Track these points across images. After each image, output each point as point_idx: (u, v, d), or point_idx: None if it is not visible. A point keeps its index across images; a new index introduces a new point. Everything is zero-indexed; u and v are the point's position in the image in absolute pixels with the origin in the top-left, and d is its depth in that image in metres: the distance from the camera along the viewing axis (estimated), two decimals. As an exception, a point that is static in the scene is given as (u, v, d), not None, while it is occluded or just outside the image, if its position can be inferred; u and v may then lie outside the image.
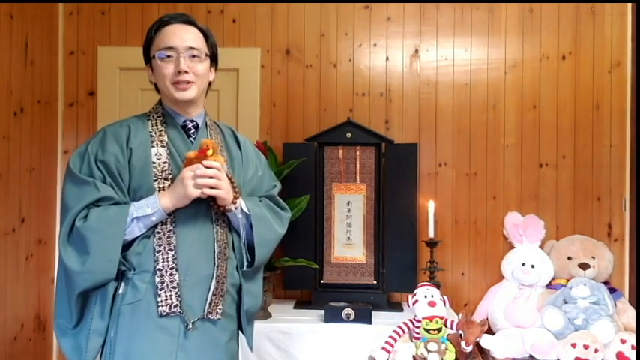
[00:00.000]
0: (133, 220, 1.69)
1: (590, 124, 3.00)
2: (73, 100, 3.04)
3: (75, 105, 3.04)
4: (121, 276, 1.72)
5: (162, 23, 1.81)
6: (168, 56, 1.77)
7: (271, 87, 3.04)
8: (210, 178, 1.70)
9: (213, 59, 1.88)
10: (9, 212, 2.56)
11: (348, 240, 2.92)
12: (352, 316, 2.54)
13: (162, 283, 1.69)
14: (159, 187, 1.74)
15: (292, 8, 3.04)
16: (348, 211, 2.93)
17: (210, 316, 1.74)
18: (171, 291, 1.69)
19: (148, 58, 1.84)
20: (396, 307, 2.82)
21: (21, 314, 2.67)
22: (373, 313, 2.56)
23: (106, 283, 1.69)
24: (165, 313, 1.69)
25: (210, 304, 1.74)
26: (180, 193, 1.70)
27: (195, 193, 1.69)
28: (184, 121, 1.85)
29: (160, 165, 1.76)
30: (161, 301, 1.69)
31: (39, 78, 2.82)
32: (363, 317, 2.54)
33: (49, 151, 2.94)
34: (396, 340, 2.31)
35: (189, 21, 1.82)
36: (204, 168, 1.70)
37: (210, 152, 1.71)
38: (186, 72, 1.76)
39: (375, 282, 2.89)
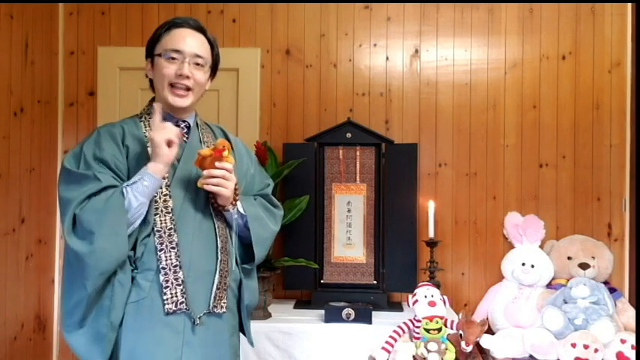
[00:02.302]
0: (125, 188, 1.68)
1: (590, 124, 3.00)
2: (73, 100, 3.04)
3: (75, 105, 3.04)
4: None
5: (173, 24, 1.82)
6: (173, 58, 1.78)
7: (271, 87, 3.04)
8: (220, 177, 1.73)
9: (214, 70, 1.90)
10: (9, 212, 2.56)
11: (348, 240, 2.92)
12: (352, 316, 2.54)
13: (167, 281, 1.70)
14: None
15: (292, 8, 3.04)
16: (348, 211, 2.93)
17: (215, 310, 1.76)
18: (176, 288, 1.70)
19: (151, 54, 1.84)
20: (396, 307, 2.82)
21: (21, 314, 2.67)
22: (373, 313, 2.56)
23: (122, 263, 1.67)
24: (172, 311, 1.69)
25: (214, 298, 1.76)
26: (154, 148, 1.69)
27: (164, 136, 1.68)
28: (177, 122, 1.86)
29: None
30: (167, 299, 1.69)
31: (39, 78, 2.82)
32: (363, 317, 2.53)
33: (49, 151, 2.94)
34: (396, 340, 2.32)
35: (200, 28, 1.84)
36: (216, 170, 1.72)
37: (226, 153, 1.74)
38: (187, 77, 1.78)
39: (375, 282, 2.89)
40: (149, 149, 1.77)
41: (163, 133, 1.70)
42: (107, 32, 3.04)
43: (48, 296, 2.92)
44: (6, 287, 2.54)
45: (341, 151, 2.92)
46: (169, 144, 1.70)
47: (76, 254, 1.64)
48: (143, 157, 1.77)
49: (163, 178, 1.75)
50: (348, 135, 2.87)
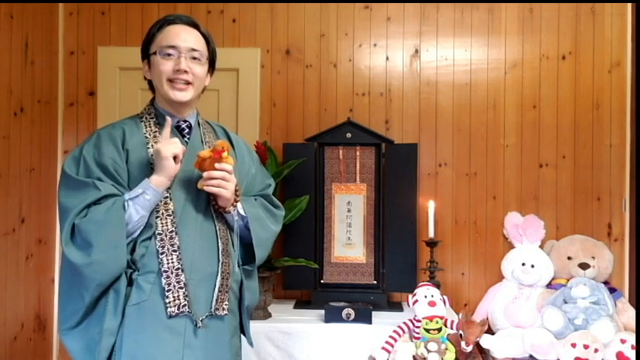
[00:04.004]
0: (127, 202, 1.68)
1: (590, 124, 3.00)
2: (73, 100, 3.04)
3: (75, 105, 3.04)
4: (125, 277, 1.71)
5: (166, 22, 1.82)
6: (169, 54, 1.78)
7: (271, 87, 3.04)
8: (220, 178, 1.73)
9: (211, 65, 1.89)
10: (9, 212, 2.56)
11: (348, 240, 2.92)
12: (352, 316, 2.54)
13: (169, 284, 1.69)
14: None
15: (292, 8, 3.04)
16: (348, 211, 2.93)
17: (217, 312, 1.76)
18: (178, 291, 1.70)
19: (146, 55, 1.84)
20: (396, 307, 2.82)
21: (21, 314, 2.67)
22: (373, 313, 2.56)
23: (119, 275, 1.67)
24: (174, 314, 1.69)
25: (216, 300, 1.76)
26: (159, 160, 1.69)
27: (170, 150, 1.69)
28: (178, 121, 1.86)
29: None
30: (169, 302, 1.69)
31: (39, 78, 2.82)
32: (363, 317, 2.53)
33: (49, 151, 2.94)
34: (396, 340, 2.32)
35: (193, 23, 1.84)
36: (215, 171, 1.72)
37: (225, 154, 1.73)
38: (185, 72, 1.77)
39: (375, 282, 2.89)
40: (149, 151, 1.77)
41: (172, 147, 1.71)
42: (107, 32, 3.04)
43: (48, 296, 2.92)
44: (6, 287, 2.54)
45: (341, 151, 2.92)
46: (175, 158, 1.71)
47: (73, 265, 1.65)
48: (143, 160, 1.76)
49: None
50: (348, 135, 2.87)
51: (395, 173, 2.87)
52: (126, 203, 1.68)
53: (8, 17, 2.53)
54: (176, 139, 1.75)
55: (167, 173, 1.71)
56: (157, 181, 1.70)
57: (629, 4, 2.97)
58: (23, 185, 2.67)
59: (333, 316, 2.55)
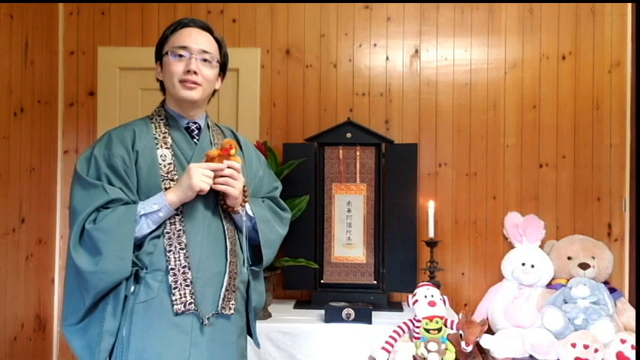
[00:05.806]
0: (140, 217, 1.71)
1: (590, 124, 3.00)
2: (73, 100, 3.04)
3: (75, 105, 3.04)
4: (133, 275, 1.73)
5: (180, 24, 1.84)
6: (181, 55, 1.79)
7: (271, 87, 3.04)
8: (227, 176, 1.74)
9: (223, 69, 1.91)
10: (9, 212, 2.57)
11: (348, 240, 2.92)
12: (352, 316, 2.54)
13: (176, 282, 1.71)
14: (165, 188, 1.76)
15: (292, 8, 3.04)
16: (348, 211, 2.93)
17: (223, 311, 1.77)
18: (184, 289, 1.71)
19: (159, 56, 1.86)
20: (396, 307, 2.82)
21: (21, 314, 2.67)
22: (373, 313, 2.56)
23: (120, 282, 1.70)
24: (180, 312, 1.70)
25: (223, 299, 1.77)
26: (185, 184, 1.70)
27: (200, 185, 1.70)
28: (187, 123, 1.87)
29: (165, 166, 1.78)
30: (175, 299, 1.70)
31: (39, 78, 2.82)
32: (363, 317, 2.54)
33: (49, 151, 2.94)
34: (396, 340, 2.32)
35: (207, 27, 1.86)
36: (226, 167, 1.73)
37: (233, 151, 1.75)
38: (195, 73, 1.78)
39: (375, 282, 2.89)
40: (158, 152, 1.78)
41: (205, 181, 1.71)
42: (107, 32, 3.04)
43: (48, 296, 2.92)
44: (6, 287, 2.54)
45: (341, 151, 2.93)
46: (200, 191, 1.72)
47: (78, 269, 1.67)
48: (152, 161, 1.78)
49: (172, 180, 1.76)
50: (348, 135, 2.87)
51: (395, 173, 2.87)
52: (139, 218, 1.71)
53: (8, 17, 2.53)
54: (212, 173, 1.74)
55: (184, 197, 1.72)
56: (172, 200, 1.72)
57: (629, 4, 2.97)
58: (23, 185, 2.67)
59: (333, 316, 2.55)
